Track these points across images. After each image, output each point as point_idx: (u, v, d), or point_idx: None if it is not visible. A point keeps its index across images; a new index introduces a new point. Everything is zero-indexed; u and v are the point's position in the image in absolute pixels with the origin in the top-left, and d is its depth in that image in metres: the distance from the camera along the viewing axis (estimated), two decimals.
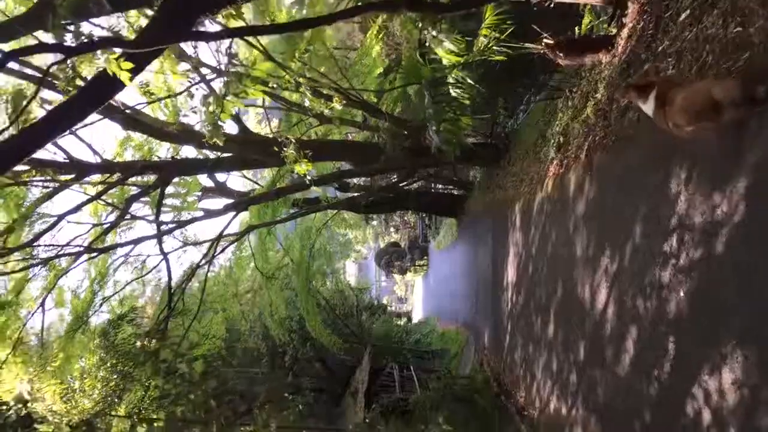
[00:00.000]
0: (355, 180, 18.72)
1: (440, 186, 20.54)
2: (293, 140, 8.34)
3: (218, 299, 15.67)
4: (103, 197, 11.78)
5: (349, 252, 33.10)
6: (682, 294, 3.81)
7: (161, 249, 11.70)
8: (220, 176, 16.37)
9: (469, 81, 7.64)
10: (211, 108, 5.12)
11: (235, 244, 16.37)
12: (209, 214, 12.42)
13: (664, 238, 4.09)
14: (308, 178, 9.77)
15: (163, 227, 12.17)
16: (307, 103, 10.69)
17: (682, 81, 4.04)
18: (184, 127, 11.28)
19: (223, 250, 13.36)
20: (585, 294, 5.56)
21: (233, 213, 11.73)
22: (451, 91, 7.85)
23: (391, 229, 32.66)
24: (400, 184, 16.73)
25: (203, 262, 12.89)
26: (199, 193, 16.72)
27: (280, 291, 17.68)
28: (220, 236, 11.53)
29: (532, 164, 8.44)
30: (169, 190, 17.24)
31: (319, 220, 17.25)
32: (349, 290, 26.88)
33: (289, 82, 8.68)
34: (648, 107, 3.73)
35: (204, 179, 16.68)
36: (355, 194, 15.80)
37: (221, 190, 16.71)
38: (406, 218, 29.64)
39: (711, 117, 3.31)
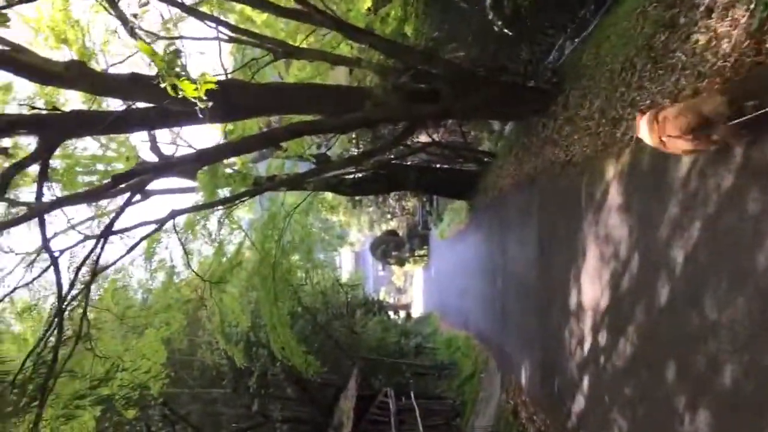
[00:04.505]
0: (338, 151, 14.49)
1: (445, 161, 16.22)
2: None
3: (146, 313, 11.41)
4: None
5: (342, 243, 28.99)
6: None
7: (46, 246, 7.69)
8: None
9: None
10: None
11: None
12: (81, 197, 8.17)
13: None
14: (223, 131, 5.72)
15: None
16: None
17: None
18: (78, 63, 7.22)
19: (132, 249, 9.19)
20: None
21: (127, 195, 7.43)
22: None
23: (388, 216, 28.22)
24: (392, 156, 12.57)
25: (110, 262, 8.82)
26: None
27: (239, 297, 13.52)
28: (109, 230, 7.33)
29: (641, 89, 4.22)
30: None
31: (292, 205, 12.94)
32: (339, 287, 22.62)
33: None
34: (642, 130, 3.87)
35: (145, 152, 12.54)
36: (335, 168, 11.52)
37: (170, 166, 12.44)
38: (403, 203, 25.23)
39: (703, 134, 3.41)
